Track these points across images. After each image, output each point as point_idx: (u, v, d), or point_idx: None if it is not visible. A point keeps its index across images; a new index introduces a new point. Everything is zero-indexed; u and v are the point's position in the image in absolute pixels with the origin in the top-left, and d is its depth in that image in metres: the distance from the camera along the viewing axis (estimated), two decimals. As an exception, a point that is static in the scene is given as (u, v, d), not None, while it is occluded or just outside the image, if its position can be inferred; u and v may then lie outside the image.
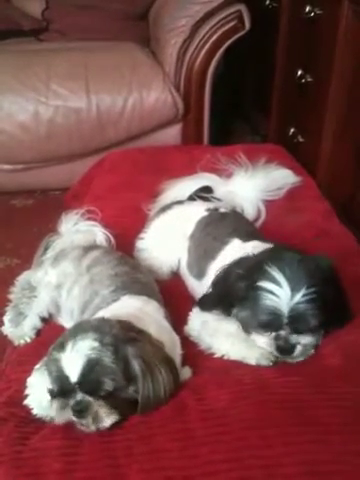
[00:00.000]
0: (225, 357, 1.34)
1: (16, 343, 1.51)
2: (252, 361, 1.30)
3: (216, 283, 1.43)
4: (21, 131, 2.72)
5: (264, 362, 1.30)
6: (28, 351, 1.47)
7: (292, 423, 1.10)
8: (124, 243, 1.75)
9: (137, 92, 2.72)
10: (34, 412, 1.22)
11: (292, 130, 2.71)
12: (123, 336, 1.16)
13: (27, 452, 1.12)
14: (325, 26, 2.31)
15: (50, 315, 1.54)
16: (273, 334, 1.29)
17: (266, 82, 3.10)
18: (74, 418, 1.12)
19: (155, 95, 2.72)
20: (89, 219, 1.81)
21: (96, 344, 1.11)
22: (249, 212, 1.93)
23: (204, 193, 1.89)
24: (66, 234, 1.74)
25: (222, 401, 1.17)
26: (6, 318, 1.56)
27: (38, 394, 1.22)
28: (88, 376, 1.10)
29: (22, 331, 1.52)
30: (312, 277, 1.28)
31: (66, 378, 1.11)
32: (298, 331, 1.28)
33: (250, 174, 2.00)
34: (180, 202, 1.85)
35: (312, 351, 1.33)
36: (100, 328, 1.16)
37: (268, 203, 2.00)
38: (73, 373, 1.10)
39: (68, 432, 1.15)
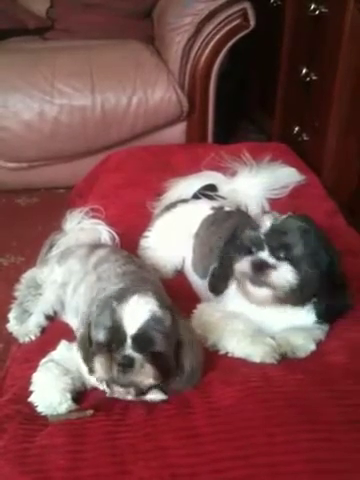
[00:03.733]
0: (230, 355, 1.34)
1: (21, 341, 1.52)
2: (256, 359, 1.30)
3: (221, 260, 1.47)
4: (26, 129, 2.72)
5: (268, 360, 1.30)
6: (33, 349, 1.47)
7: (298, 421, 1.10)
8: (128, 241, 1.75)
9: (142, 90, 2.72)
10: (39, 409, 1.22)
11: (297, 128, 2.71)
12: (174, 309, 1.19)
13: (33, 449, 1.12)
14: (330, 24, 2.31)
15: (55, 313, 1.54)
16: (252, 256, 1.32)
17: (271, 80, 3.10)
18: (116, 374, 1.10)
19: (160, 93, 2.72)
20: (93, 217, 1.81)
21: (159, 304, 1.14)
22: (253, 210, 1.92)
23: (208, 191, 1.88)
24: (71, 232, 1.74)
25: (228, 399, 1.17)
26: (11, 316, 1.57)
27: (43, 391, 1.23)
28: (146, 331, 1.11)
29: (27, 329, 1.52)
30: (302, 221, 1.35)
31: (121, 329, 1.11)
32: (279, 257, 1.30)
33: (254, 172, 2.00)
34: (185, 200, 1.85)
35: (287, 283, 1.30)
36: (157, 293, 1.19)
37: (272, 201, 1.99)
38: (132, 325, 1.11)
39: (73, 429, 1.15)
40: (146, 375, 1.11)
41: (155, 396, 1.22)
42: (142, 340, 1.11)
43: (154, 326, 1.12)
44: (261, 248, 1.32)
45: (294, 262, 1.30)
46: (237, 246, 1.37)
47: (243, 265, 1.33)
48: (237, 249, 1.37)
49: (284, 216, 1.36)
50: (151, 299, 1.15)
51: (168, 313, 1.15)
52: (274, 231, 1.31)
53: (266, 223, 1.33)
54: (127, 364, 1.09)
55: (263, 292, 1.32)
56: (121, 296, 1.15)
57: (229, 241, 1.45)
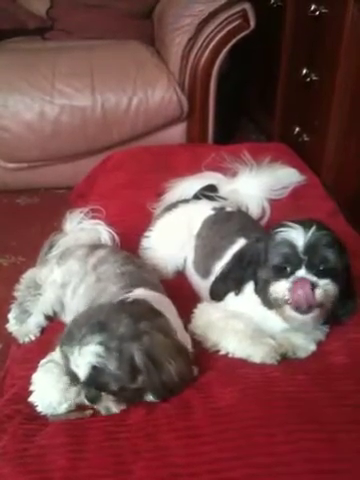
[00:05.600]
0: (230, 355, 1.34)
1: (21, 341, 1.52)
2: (257, 359, 1.30)
3: (231, 264, 1.43)
4: (26, 130, 2.72)
5: (268, 360, 1.29)
6: (33, 349, 1.47)
7: (297, 421, 1.10)
8: (128, 242, 1.75)
9: (142, 91, 2.72)
10: (39, 409, 1.22)
11: (297, 129, 2.71)
12: (130, 332, 1.15)
13: (32, 449, 1.12)
14: (330, 25, 2.31)
15: (55, 313, 1.54)
16: (291, 276, 1.26)
17: (271, 81, 3.10)
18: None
19: (160, 94, 2.73)
20: (94, 218, 1.81)
21: (102, 349, 1.13)
22: (254, 211, 1.92)
23: (209, 192, 1.88)
24: (71, 232, 1.74)
25: (227, 399, 1.17)
26: (11, 316, 1.57)
27: (43, 391, 1.23)
28: (94, 380, 1.14)
29: (27, 329, 1.52)
30: (327, 231, 1.31)
31: (76, 373, 1.15)
32: (316, 272, 1.25)
33: (255, 173, 1.99)
34: (186, 201, 1.85)
35: (332, 298, 1.27)
36: (106, 327, 1.15)
37: (273, 202, 1.99)
38: (80, 374, 1.15)
39: (73, 429, 1.15)
40: (111, 406, 1.18)
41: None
42: (94, 385, 1.15)
43: (98, 375, 1.13)
44: (298, 266, 1.26)
45: (333, 275, 1.27)
46: (265, 266, 1.31)
47: (287, 289, 1.26)
48: (266, 270, 1.31)
49: (301, 226, 1.29)
50: (91, 346, 1.13)
51: (112, 355, 1.12)
52: (311, 246, 1.25)
53: (299, 239, 1.26)
54: (92, 399, 1.17)
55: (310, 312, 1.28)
56: (70, 336, 1.17)
57: (237, 258, 1.41)
